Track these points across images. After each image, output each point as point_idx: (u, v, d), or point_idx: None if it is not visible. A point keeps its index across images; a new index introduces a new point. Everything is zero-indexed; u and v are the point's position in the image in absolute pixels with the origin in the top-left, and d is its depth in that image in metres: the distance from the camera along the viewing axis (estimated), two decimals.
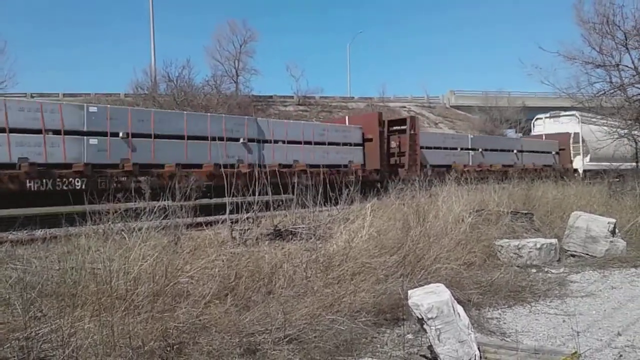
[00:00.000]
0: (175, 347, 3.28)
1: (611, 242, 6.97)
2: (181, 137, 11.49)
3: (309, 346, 3.46)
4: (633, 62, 13.99)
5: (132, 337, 3.15)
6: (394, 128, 17.29)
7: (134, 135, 10.63)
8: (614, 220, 7.18)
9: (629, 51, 13.89)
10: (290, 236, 6.32)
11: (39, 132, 9.35)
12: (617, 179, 14.30)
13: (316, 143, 14.50)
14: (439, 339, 3.15)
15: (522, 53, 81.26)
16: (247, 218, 6.61)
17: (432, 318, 3.16)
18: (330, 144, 14.88)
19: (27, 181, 8.97)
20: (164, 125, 11.27)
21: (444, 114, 51.46)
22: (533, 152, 23.05)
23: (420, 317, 3.22)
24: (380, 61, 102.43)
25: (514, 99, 49.75)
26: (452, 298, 3.34)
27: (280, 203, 7.30)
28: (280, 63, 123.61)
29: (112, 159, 10.30)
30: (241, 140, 12.51)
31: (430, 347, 3.29)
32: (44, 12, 79.78)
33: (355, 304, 4.15)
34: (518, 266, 6.29)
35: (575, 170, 24.34)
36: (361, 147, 15.77)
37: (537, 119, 28.11)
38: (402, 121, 17.60)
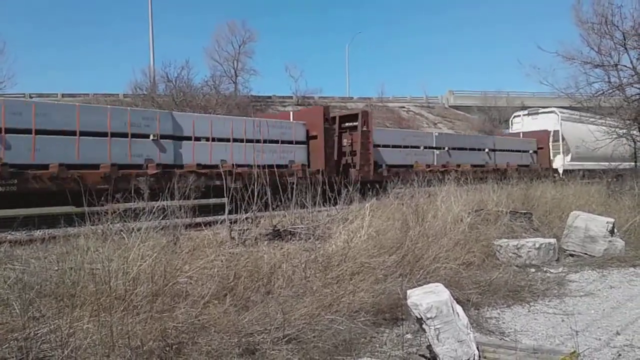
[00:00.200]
0: (174, 347, 3.28)
1: (610, 241, 6.97)
2: (72, 133, 9.97)
3: (308, 346, 3.47)
4: (631, 62, 14.02)
5: (131, 337, 3.15)
6: (346, 124, 15.89)
7: (9, 131, 9.20)
8: (612, 220, 7.19)
9: (627, 51, 13.91)
10: (289, 236, 6.32)
11: None
12: (616, 179, 14.30)
13: (249, 141, 13.08)
14: (438, 339, 3.15)
15: (521, 53, 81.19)
16: (246, 218, 6.61)
17: (431, 318, 3.16)
18: (266, 141, 13.45)
19: None
20: (49, 119, 9.73)
21: (443, 114, 51.49)
22: (507, 151, 21.90)
23: (419, 316, 3.22)
24: (379, 61, 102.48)
25: (512, 99, 49.79)
26: (451, 298, 3.34)
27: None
28: (279, 63, 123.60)
29: None
30: (151, 137, 11.04)
31: (429, 347, 3.29)
32: (43, 12, 79.78)
33: (354, 303, 4.15)
34: (517, 266, 6.29)
35: (555, 171, 23.24)
36: (305, 146, 14.38)
37: (515, 116, 27.10)
38: (354, 117, 15.87)
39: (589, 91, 14.88)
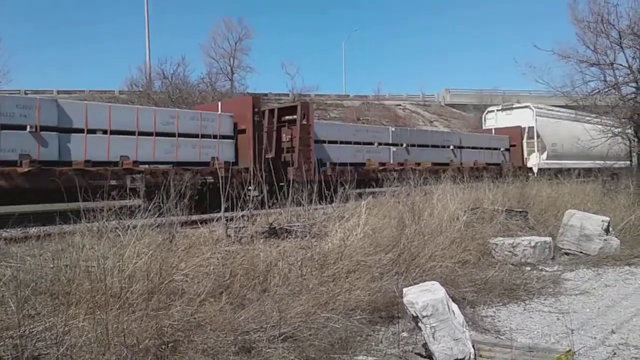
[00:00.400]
0: (170, 345, 3.27)
1: (605, 240, 7.00)
2: None
3: (304, 344, 3.46)
4: (627, 61, 14.04)
5: (127, 335, 3.14)
6: (287, 118, 14.41)
7: None
8: (607, 219, 7.21)
9: (623, 50, 13.94)
10: (286, 234, 6.32)
11: None
12: (612, 178, 14.35)
13: (160, 134, 11.45)
14: (433, 337, 3.16)
15: (518, 52, 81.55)
16: (242, 216, 6.60)
17: (427, 316, 3.17)
18: (183, 135, 11.88)
19: None
20: None
21: (439, 112, 51.56)
22: (475, 148, 20.63)
23: (415, 315, 3.23)
24: (376, 60, 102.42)
25: (508, 97, 49.77)
26: (447, 296, 3.35)
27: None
28: (275, 61, 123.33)
29: None
30: (28, 129, 9.47)
31: (425, 345, 3.30)
32: (39, 9, 79.37)
33: (351, 302, 4.15)
34: (512, 264, 6.30)
35: (530, 170, 21.97)
36: (232, 141, 12.89)
37: (488, 111, 25.66)
38: (294, 109, 14.34)
39: (584, 90, 14.90)
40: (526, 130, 22.64)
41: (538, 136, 22.58)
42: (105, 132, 10.56)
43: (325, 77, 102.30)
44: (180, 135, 11.86)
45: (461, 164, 19.07)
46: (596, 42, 14.21)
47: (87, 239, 4.84)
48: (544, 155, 22.71)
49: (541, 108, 23.72)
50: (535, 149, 22.58)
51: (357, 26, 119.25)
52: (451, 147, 19.36)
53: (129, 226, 5.19)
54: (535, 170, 22.00)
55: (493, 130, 23.00)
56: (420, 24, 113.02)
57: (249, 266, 4.66)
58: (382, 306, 4.25)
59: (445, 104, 54.53)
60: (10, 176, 9.08)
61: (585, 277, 6.03)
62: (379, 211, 7.08)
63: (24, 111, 9.52)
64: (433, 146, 18.68)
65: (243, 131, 12.90)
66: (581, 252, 7.01)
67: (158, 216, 5.91)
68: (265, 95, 45.75)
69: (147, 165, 11.15)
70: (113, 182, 9.70)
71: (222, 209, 6.57)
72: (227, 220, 6.43)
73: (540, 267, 6.39)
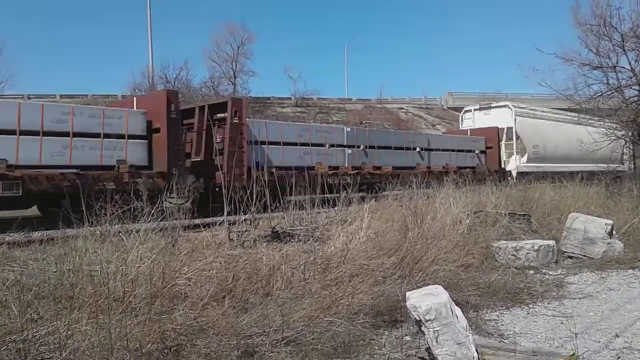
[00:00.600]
0: (172, 349, 3.27)
1: (608, 243, 6.97)
2: None
3: (306, 348, 3.46)
4: (630, 64, 14.05)
5: (130, 340, 3.14)
6: (219, 116, 12.83)
7: None
8: (611, 222, 7.19)
9: (626, 53, 13.95)
10: (288, 238, 6.32)
11: None
12: (615, 181, 14.32)
13: (51, 134, 10.04)
14: (437, 341, 3.15)
15: (520, 55, 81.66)
16: (245, 220, 6.60)
17: (430, 320, 3.16)
18: (79, 134, 10.35)
19: None
20: None
21: (442, 115, 51.56)
22: (446, 150, 19.03)
23: (418, 319, 3.22)
24: (378, 63, 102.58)
25: (511, 100, 49.82)
26: (450, 300, 3.34)
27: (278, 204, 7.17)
28: (278, 65, 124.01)
29: None
30: None
31: (428, 349, 3.29)
32: (42, 13, 79.73)
33: (353, 305, 4.14)
34: (516, 268, 6.29)
35: (509, 173, 20.64)
36: (144, 141, 11.39)
37: (465, 111, 24.08)
38: (224, 106, 12.84)
39: (587, 93, 14.92)
40: (505, 131, 21.33)
41: (517, 137, 21.33)
42: None
43: (328, 80, 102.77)
44: (75, 134, 10.29)
45: (429, 167, 17.73)
46: (599, 45, 14.24)
47: (90, 243, 4.85)
48: (524, 158, 21.46)
49: (521, 107, 22.68)
50: (514, 151, 21.25)
51: (360, 30, 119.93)
52: (418, 149, 17.79)
53: (132, 230, 5.20)
54: (514, 173, 20.52)
55: (469, 132, 21.64)
56: (423, 27, 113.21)
57: (252, 270, 4.66)
58: (385, 310, 4.24)
59: (448, 107, 54.52)
60: None
61: (589, 280, 6.00)
62: (382, 215, 7.08)
63: None
64: (396, 148, 17.17)
65: (158, 130, 11.37)
66: (585, 256, 6.99)
67: (161, 220, 5.92)
68: (268, 99, 45.85)
69: (48, 170, 9.90)
70: None
71: (225, 212, 6.57)
72: (229, 224, 6.43)
73: (543, 271, 6.37)
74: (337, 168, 14.66)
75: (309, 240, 5.91)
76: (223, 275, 4.45)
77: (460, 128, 23.42)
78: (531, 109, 23.24)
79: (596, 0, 14.15)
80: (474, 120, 22.84)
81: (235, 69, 44.00)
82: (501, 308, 4.79)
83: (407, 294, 3.49)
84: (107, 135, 10.79)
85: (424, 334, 3.23)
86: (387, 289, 4.49)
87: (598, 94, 14.74)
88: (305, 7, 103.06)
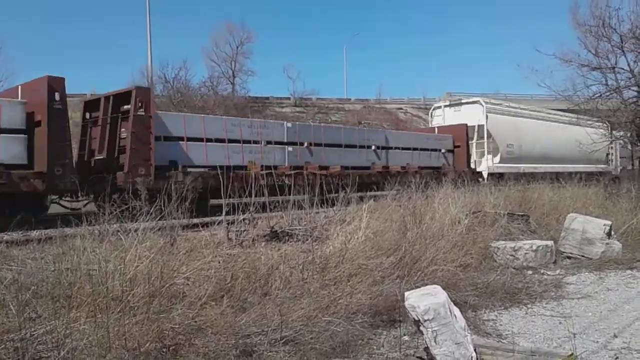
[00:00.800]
0: (171, 348, 3.27)
1: (607, 244, 6.98)
2: None
3: (305, 348, 3.46)
4: (629, 65, 14.05)
5: (128, 339, 3.13)
6: (126, 107, 11.18)
7: None
8: (609, 222, 7.20)
9: (624, 54, 13.95)
10: (287, 237, 6.32)
11: None
12: (613, 181, 14.35)
13: None
14: (435, 341, 3.15)
15: (520, 55, 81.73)
16: (244, 219, 6.60)
17: (428, 320, 3.16)
18: None
19: None
20: None
21: None
22: (408, 149, 17.42)
23: (416, 318, 3.22)
24: (377, 63, 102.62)
25: (510, 101, 49.88)
26: (449, 300, 3.34)
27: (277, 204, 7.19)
28: (277, 64, 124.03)
29: None
30: None
31: (426, 349, 3.29)
32: (40, 12, 79.65)
33: (352, 305, 4.14)
34: (514, 268, 6.29)
35: (479, 174, 19.20)
36: (22, 136, 9.68)
37: (434, 107, 22.58)
38: (128, 96, 11.06)
39: (586, 94, 14.91)
40: (475, 129, 19.81)
41: (489, 136, 19.94)
42: None
43: (327, 80, 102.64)
44: None
45: (386, 167, 16.21)
46: (598, 46, 14.24)
47: (88, 242, 4.84)
48: (497, 158, 20.06)
49: (494, 104, 21.31)
50: (486, 150, 19.78)
51: (359, 30, 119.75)
52: (374, 147, 16.14)
53: (130, 229, 5.19)
54: (485, 174, 19.19)
55: (436, 129, 20.18)
56: (422, 27, 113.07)
57: (250, 269, 4.65)
58: (383, 310, 4.24)
59: None
60: None
61: (588, 281, 6.01)
62: (381, 214, 7.08)
63: None
64: (348, 146, 15.51)
65: (39, 123, 9.72)
66: (583, 256, 7.00)
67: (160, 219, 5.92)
68: (267, 99, 45.86)
69: None
70: None
71: (224, 212, 6.57)
72: (228, 224, 6.43)
73: (542, 271, 6.37)
74: (272, 167, 12.59)
75: (307, 240, 5.91)
76: (221, 275, 4.45)
77: (430, 126, 22.00)
78: (506, 106, 22.07)
79: (595, 1, 14.17)
80: (444, 117, 21.51)
81: (234, 68, 44.07)
82: (499, 308, 4.79)
83: (406, 294, 3.49)
84: None
85: (423, 334, 3.23)
86: (385, 288, 4.49)
87: (597, 95, 14.75)
88: (304, 6, 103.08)
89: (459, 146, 18.94)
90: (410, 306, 3.26)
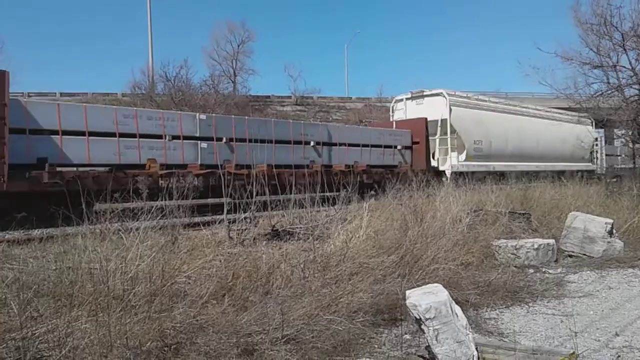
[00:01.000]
0: (172, 347, 3.27)
1: (608, 242, 6.97)
2: None
3: (306, 346, 3.46)
4: (630, 63, 14.05)
5: (129, 337, 3.13)
6: None
7: None
8: (611, 221, 7.19)
9: (626, 52, 13.95)
10: (288, 236, 6.32)
11: None
12: (614, 180, 14.31)
13: None
14: (436, 340, 3.14)
15: (521, 54, 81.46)
16: (245, 218, 6.60)
17: (430, 318, 3.16)
18: None
19: None
20: None
21: None
22: (356, 146, 15.47)
23: (418, 317, 3.21)
24: (378, 61, 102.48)
25: (511, 99, 49.82)
26: (450, 298, 3.33)
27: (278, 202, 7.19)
28: (278, 63, 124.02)
29: None
30: None
31: (428, 348, 3.28)
32: (42, 10, 79.69)
33: (353, 304, 4.14)
34: (516, 266, 6.29)
35: (442, 173, 17.60)
36: None
37: (396, 100, 20.42)
38: None
39: (588, 92, 14.92)
40: (439, 123, 18.02)
41: (453, 131, 18.11)
42: None
43: (328, 79, 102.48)
44: None
45: (329, 166, 14.24)
46: (599, 44, 14.25)
47: (89, 241, 4.85)
48: (463, 156, 18.37)
49: (460, 96, 19.38)
50: (449, 146, 18.01)
51: (360, 28, 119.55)
52: (313, 143, 14.19)
53: (131, 228, 5.20)
54: (448, 173, 17.47)
55: (394, 124, 18.40)
56: (423, 26, 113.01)
57: (252, 268, 4.65)
58: (385, 308, 4.24)
59: None
60: None
61: (589, 279, 6.01)
62: (382, 213, 7.08)
63: None
64: (280, 142, 13.54)
65: None
66: (584, 255, 6.99)
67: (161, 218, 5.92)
68: (268, 97, 45.83)
69: None
70: None
71: (225, 211, 6.58)
72: (229, 223, 6.43)
73: (543, 270, 6.37)
74: (184, 167, 11.39)
75: (308, 238, 5.91)
76: (223, 274, 4.45)
77: (391, 120, 19.91)
78: (475, 98, 20.20)
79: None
80: (405, 111, 19.55)
81: (236, 67, 44.14)
82: (501, 307, 4.79)
83: (407, 292, 3.48)
84: None
85: (424, 333, 3.23)
86: (386, 287, 4.49)
87: (598, 93, 14.75)
88: (305, 5, 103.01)
89: (417, 142, 17.16)
90: (411, 305, 3.26)
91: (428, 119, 17.38)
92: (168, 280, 4.07)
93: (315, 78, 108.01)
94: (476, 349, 3.22)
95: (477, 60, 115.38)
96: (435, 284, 3.68)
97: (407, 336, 3.86)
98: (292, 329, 3.59)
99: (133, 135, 10.78)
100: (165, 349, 3.24)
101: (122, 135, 10.67)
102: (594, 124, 24.98)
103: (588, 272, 6.33)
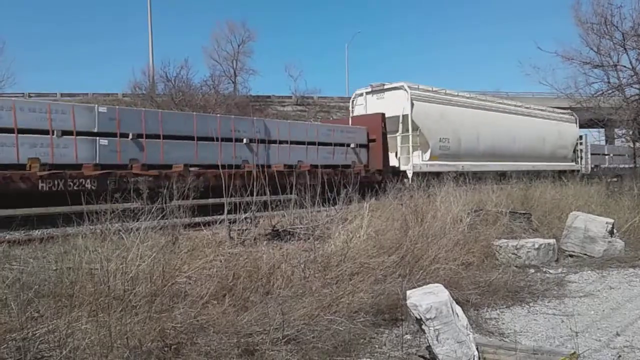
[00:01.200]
0: (172, 347, 3.27)
1: (609, 242, 6.97)
2: None
3: (307, 347, 3.45)
4: (631, 63, 14.06)
5: (130, 338, 3.13)
6: None
7: None
8: (612, 221, 7.18)
9: (627, 51, 13.96)
10: (289, 236, 6.32)
11: None
12: (615, 179, 14.30)
13: None
14: (437, 340, 3.14)
15: (521, 53, 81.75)
16: (245, 218, 6.60)
17: (430, 318, 3.15)
18: None
19: None
20: None
21: None
22: (301, 144, 13.74)
23: (418, 317, 3.21)
24: (378, 61, 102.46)
25: (511, 99, 49.76)
26: (451, 298, 3.33)
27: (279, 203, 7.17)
28: (278, 63, 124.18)
29: None
30: None
31: (428, 348, 3.28)
32: (42, 11, 79.73)
33: (354, 304, 4.13)
34: (516, 266, 6.28)
35: (404, 174, 16.12)
36: None
37: (356, 95, 18.86)
38: None
39: (588, 91, 14.92)
40: (400, 119, 16.50)
41: (416, 128, 16.59)
42: None
43: (329, 79, 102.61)
44: None
45: (266, 166, 12.34)
46: (600, 43, 14.27)
47: (90, 242, 4.85)
48: (427, 155, 16.90)
49: (424, 90, 17.77)
50: (410, 145, 16.45)
51: (360, 28, 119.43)
52: (246, 140, 12.50)
53: (132, 228, 5.20)
54: (409, 174, 16.10)
55: (350, 120, 17.16)
56: (424, 26, 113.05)
57: (252, 268, 4.65)
58: (385, 309, 4.24)
59: None
60: None
61: (590, 279, 6.00)
62: (382, 213, 7.07)
63: None
64: (204, 139, 11.77)
65: None
66: (585, 254, 6.98)
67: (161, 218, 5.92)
68: (268, 97, 45.84)
69: None
70: None
71: (225, 211, 6.57)
72: (230, 223, 6.43)
73: (544, 270, 6.36)
74: (78, 167, 9.79)
75: (309, 238, 5.91)
76: (223, 274, 4.45)
77: (351, 116, 18.36)
78: (443, 93, 18.66)
79: None
80: (366, 106, 18.05)
81: (236, 67, 44.16)
82: (502, 307, 4.78)
83: (408, 292, 3.48)
84: None
85: (425, 333, 3.23)
86: (387, 287, 4.48)
87: (599, 93, 14.75)
88: (305, 4, 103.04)
89: (374, 140, 15.59)
90: (412, 305, 3.26)
91: (390, 115, 16.13)
92: (168, 281, 4.07)
93: (316, 78, 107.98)
94: (477, 349, 3.22)
95: (477, 60, 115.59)
96: (436, 284, 3.68)
97: (408, 336, 3.85)
98: (293, 329, 3.59)
99: (9, 130, 9.09)
100: (166, 349, 3.23)
101: None
102: (577, 121, 24.12)
103: (589, 272, 6.32)
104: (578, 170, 24.10)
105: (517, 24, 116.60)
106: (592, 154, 26.54)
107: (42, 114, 9.50)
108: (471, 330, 3.33)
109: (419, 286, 3.86)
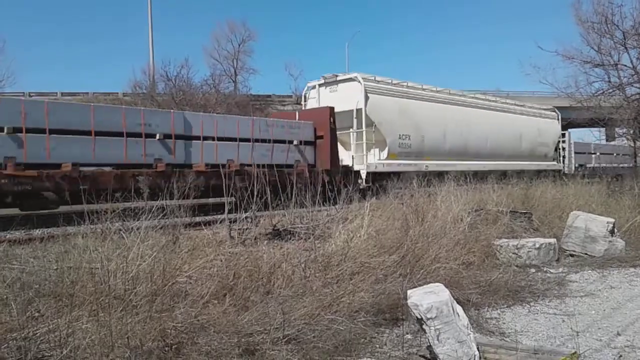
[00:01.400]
0: (173, 347, 3.26)
1: (610, 241, 6.96)
2: None
3: (307, 346, 3.45)
4: (632, 62, 14.05)
5: (130, 337, 3.13)
6: None
7: None
8: (612, 220, 7.17)
9: (627, 51, 13.95)
10: (289, 236, 6.31)
11: None
12: (616, 179, 14.27)
13: None
14: (438, 339, 3.14)
15: (522, 52, 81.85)
16: (246, 218, 6.59)
17: (431, 318, 3.15)
18: None
19: None
20: None
21: None
22: (232, 140, 12.39)
23: (419, 317, 3.21)
24: (378, 60, 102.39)
25: (512, 98, 49.69)
26: (452, 298, 3.33)
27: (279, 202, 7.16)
28: (278, 62, 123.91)
29: None
30: None
31: (429, 347, 3.28)
32: (42, 10, 79.72)
33: (354, 303, 4.13)
34: (517, 266, 6.27)
35: (357, 174, 14.79)
36: None
37: (309, 87, 17.29)
38: None
39: (589, 91, 14.91)
40: (354, 114, 15.14)
41: (371, 123, 15.20)
42: None
43: None
44: None
45: (184, 166, 11.35)
46: (600, 42, 14.26)
47: (90, 241, 4.84)
48: (384, 153, 15.58)
49: (380, 81, 16.44)
50: (364, 142, 15.08)
51: (360, 27, 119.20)
52: (159, 136, 11.02)
53: (132, 228, 5.19)
54: (363, 175, 14.80)
55: (297, 115, 15.47)
56: (424, 25, 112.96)
57: (253, 268, 4.65)
58: (386, 308, 4.24)
59: None
60: None
61: (590, 278, 6.00)
62: (383, 213, 7.07)
63: None
64: (104, 134, 10.31)
65: None
66: (586, 254, 6.98)
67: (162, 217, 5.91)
68: (269, 96, 45.83)
69: None
70: None
71: (226, 210, 6.57)
72: (230, 222, 6.42)
73: (544, 269, 6.36)
74: None
75: (309, 238, 5.91)
76: (224, 273, 4.45)
77: (304, 109, 16.92)
78: (403, 86, 17.22)
79: None
80: (318, 99, 16.53)
81: (236, 66, 44.14)
82: (502, 306, 4.78)
83: (409, 292, 3.48)
84: None
85: (425, 332, 3.22)
86: (388, 287, 4.48)
87: (599, 92, 14.74)
88: (306, 4, 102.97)
89: (322, 137, 14.19)
90: (413, 304, 3.26)
91: (343, 109, 14.91)
92: (169, 280, 4.06)
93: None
94: (478, 348, 3.21)
95: (477, 60, 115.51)
96: (437, 284, 3.68)
97: (409, 336, 3.85)
98: (294, 329, 3.59)
99: None
100: (167, 348, 3.23)
101: None
102: (559, 117, 23.05)
103: (589, 271, 6.32)
104: (560, 170, 22.98)
105: (517, 24, 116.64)
106: (576, 153, 25.32)
107: None
108: (472, 329, 3.33)
109: (420, 286, 3.85)
